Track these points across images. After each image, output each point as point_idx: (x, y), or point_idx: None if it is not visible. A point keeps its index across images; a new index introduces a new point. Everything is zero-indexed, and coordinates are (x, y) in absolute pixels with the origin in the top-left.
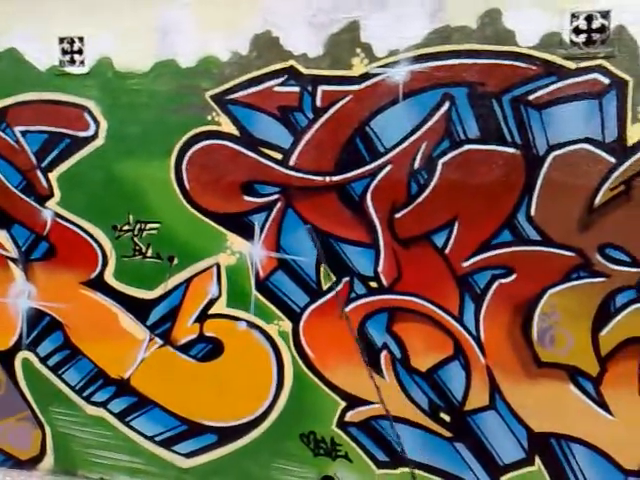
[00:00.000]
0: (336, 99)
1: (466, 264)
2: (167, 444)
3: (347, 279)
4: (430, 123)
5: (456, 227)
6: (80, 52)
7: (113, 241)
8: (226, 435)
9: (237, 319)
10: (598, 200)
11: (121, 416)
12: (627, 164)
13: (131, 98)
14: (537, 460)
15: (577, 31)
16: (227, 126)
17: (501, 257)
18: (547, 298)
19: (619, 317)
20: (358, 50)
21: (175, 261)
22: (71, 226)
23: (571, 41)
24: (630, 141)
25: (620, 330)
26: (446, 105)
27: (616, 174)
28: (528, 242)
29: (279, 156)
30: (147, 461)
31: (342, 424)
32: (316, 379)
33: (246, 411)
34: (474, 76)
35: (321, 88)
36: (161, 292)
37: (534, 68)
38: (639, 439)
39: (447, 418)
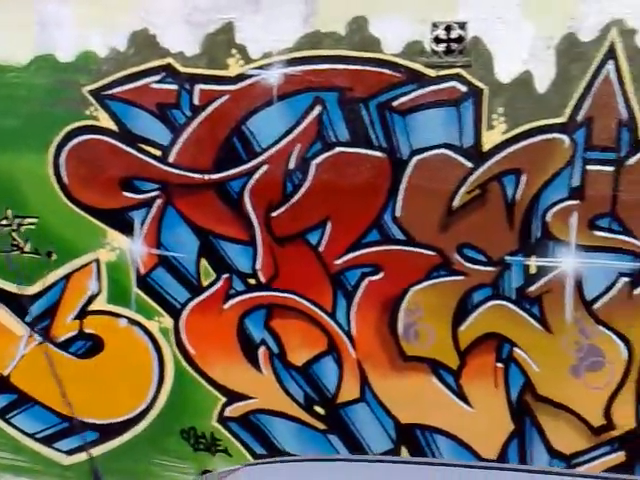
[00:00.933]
0: (213, 98)
1: (338, 262)
2: (49, 441)
3: (226, 276)
4: (303, 125)
5: (329, 226)
6: None
7: None
8: (107, 432)
9: (118, 316)
10: (456, 203)
11: (2, 413)
12: (482, 169)
13: (10, 91)
14: (403, 450)
15: (437, 40)
16: (105, 121)
17: (370, 256)
18: (411, 295)
19: (476, 313)
20: (234, 51)
21: (54, 257)
22: None
23: (432, 50)
24: (485, 147)
25: (477, 325)
26: (318, 109)
27: (472, 178)
28: (394, 242)
29: (158, 153)
30: (30, 459)
31: (222, 419)
32: (196, 375)
33: (127, 408)
34: (343, 81)
35: (198, 87)
36: (40, 288)
37: (398, 75)
38: (496, 429)
39: (321, 411)
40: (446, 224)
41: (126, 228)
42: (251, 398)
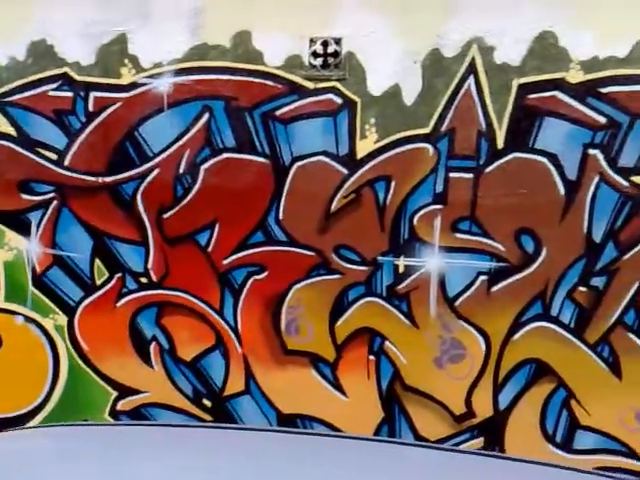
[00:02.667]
0: (107, 105)
1: (226, 262)
2: None
3: (119, 275)
4: (192, 132)
5: (217, 228)
6: None
7: None
8: (3, 426)
9: (14, 313)
10: (333, 206)
11: None
12: (356, 175)
13: None
14: None
15: (315, 55)
16: (4, 127)
17: (255, 256)
18: (293, 293)
19: (351, 310)
20: (126, 61)
21: None
22: None
23: (310, 64)
24: (359, 155)
25: (352, 321)
26: (206, 116)
27: (348, 184)
28: (277, 243)
29: (54, 156)
30: None
31: (114, 413)
32: (90, 370)
33: (23, 403)
34: (229, 91)
35: (93, 94)
36: None
37: (279, 87)
38: (369, 417)
39: (209, 403)
40: (324, 226)
41: (23, 229)
42: (143, 392)
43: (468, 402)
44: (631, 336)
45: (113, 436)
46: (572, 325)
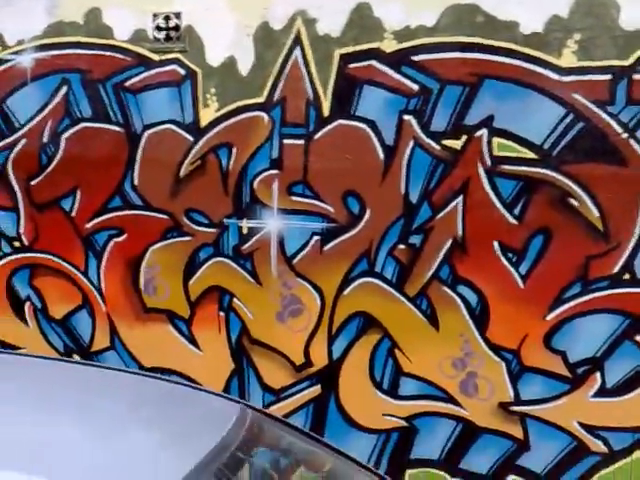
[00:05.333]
0: None
1: (88, 226)
2: None
3: None
4: (53, 104)
5: (79, 194)
6: None
7: None
8: None
9: None
10: (182, 172)
11: None
12: (201, 142)
13: None
14: None
15: (159, 29)
16: None
17: (114, 220)
18: (149, 254)
19: (202, 269)
20: None
21: None
22: None
23: (154, 37)
24: (202, 123)
25: (204, 280)
26: (64, 88)
27: (194, 151)
28: (134, 207)
29: None
30: None
31: None
32: None
33: None
34: (84, 64)
35: None
36: None
37: (128, 59)
38: (220, 369)
39: (79, 358)
40: (175, 191)
41: None
42: (20, 348)
43: (306, 353)
44: (446, 290)
45: None
46: (394, 280)
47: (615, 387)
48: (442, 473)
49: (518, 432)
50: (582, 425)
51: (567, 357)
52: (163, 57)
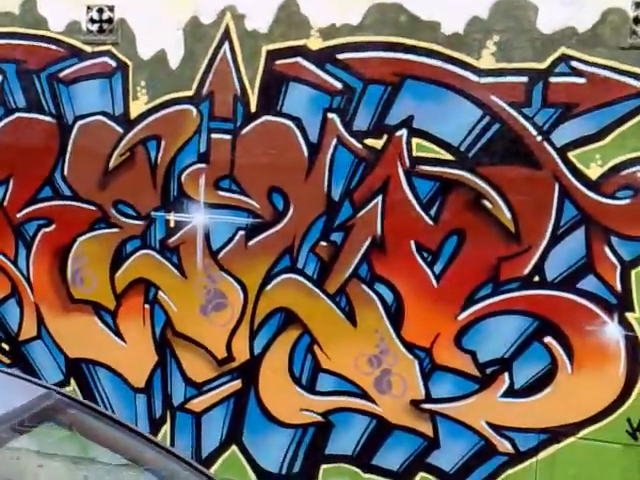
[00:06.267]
0: None
1: (19, 215)
2: None
3: None
4: None
5: (11, 183)
6: None
7: None
8: None
9: None
10: (112, 164)
11: None
12: (131, 134)
13: None
14: (72, 382)
15: (92, 21)
16: None
17: (44, 210)
18: (77, 245)
19: (129, 261)
20: None
21: None
22: None
23: (88, 29)
24: (132, 115)
25: (130, 272)
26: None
27: (124, 142)
28: (63, 197)
29: None
30: None
31: None
32: None
33: None
34: (19, 55)
35: None
36: None
37: (62, 50)
38: (144, 361)
39: (7, 347)
40: (104, 182)
41: None
42: None
43: (229, 347)
44: (364, 287)
45: None
46: (315, 277)
47: (523, 388)
48: (356, 469)
49: (428, 430)
50: (490, 425)
51: (477, 357)
52: (96, 49)
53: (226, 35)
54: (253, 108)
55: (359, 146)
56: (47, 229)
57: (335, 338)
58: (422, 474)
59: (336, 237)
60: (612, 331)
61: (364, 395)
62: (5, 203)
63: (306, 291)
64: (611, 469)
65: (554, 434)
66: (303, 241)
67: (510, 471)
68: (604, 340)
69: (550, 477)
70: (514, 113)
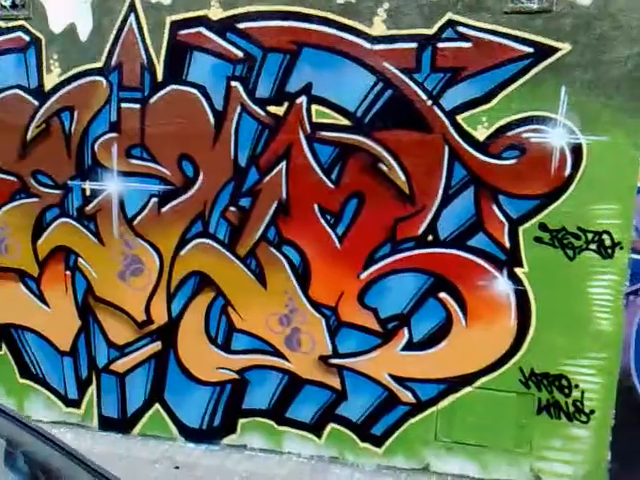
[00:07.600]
0: None
1: None
2: None
3: None
4: None
5: None
6: None
7: None
8: None
9: None
10: (29, 135)
11: None
12: (46, 106)
13: None
14: (4, 346)
15: None
16: None
17: None
18: (0, 215)
19: (49, 229)
20: None
21: None
22: None
23: (1, 5)
24: (47, 87)
25: (51, 240)
26: None
27: (39, 114)
28: None
29: None
30: None
31: None
32: None
33: None
34: None
35: None
36: None
37: None
38: (68, 326)
39: None
40: (23, 154)
41: None
42: None
43: (147, 310)
44: (272, 250)
45: None
46: (226, 241)
47: (421, 341)
48: (270, 422)
49: (336, 383)
50: (392, 377)
51: (378, 313)
52: (9, 24)
53: (132, 8)
54: (160, 77)
55: (262, 113)
56: None
57: (247, 299)
58: (332, 425)
59: (244, 202)
60: (502, 285)
61: (276, 353)
62: None
63: (218, 255)
64: (506, 416)
65: (452, 384)
66: (213, 206)
67: (412, 420)
68: (495, 294)
69: (449, 425)
70: (405, 79)
